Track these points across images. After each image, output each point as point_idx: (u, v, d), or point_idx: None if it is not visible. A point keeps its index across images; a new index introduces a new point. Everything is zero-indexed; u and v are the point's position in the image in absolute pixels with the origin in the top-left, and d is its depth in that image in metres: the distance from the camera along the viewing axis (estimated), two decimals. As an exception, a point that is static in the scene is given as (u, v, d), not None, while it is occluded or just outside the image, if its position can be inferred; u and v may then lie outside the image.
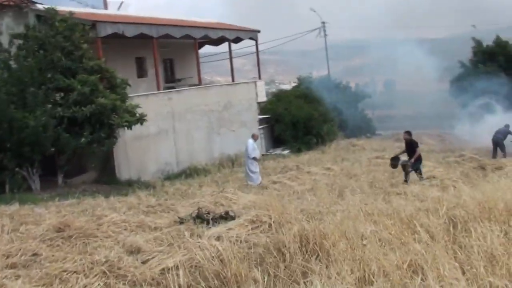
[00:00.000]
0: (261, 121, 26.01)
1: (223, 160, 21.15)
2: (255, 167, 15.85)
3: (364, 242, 5.65)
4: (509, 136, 19.99)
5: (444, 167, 17.33)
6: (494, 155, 19.63)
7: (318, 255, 5.85)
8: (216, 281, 5.82)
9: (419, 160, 15.06)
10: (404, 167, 14.99)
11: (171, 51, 23.73)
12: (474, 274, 5.06)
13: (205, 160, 21.10)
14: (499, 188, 8.81)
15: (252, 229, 8.57)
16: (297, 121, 26.42)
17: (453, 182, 13.89)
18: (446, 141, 26.03)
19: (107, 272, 6.53)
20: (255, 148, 16.14)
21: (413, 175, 15.01)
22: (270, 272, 5.48)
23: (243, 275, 5.55)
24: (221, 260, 5.97)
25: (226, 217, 10.07)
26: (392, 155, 16.17)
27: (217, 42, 25.76)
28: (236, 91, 24.31)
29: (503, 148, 19.60)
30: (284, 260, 5.82)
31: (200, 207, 10.75)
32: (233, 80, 25.29)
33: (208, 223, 9.70)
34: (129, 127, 15.51)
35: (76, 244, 8.22)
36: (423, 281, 4.83)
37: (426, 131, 27.85)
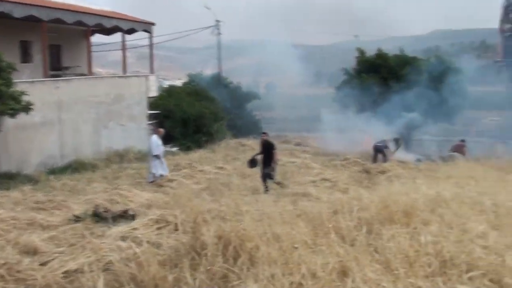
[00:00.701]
0: (150, 116, 25.38)
1: (111, 155, 20.34)
2: (154, 165, 15.34)
3: (296, 245, 5.63)
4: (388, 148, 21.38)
5: (332, 170, 18.05)
6: (375, 160, 20.77)
7: (238, 258, 5.75)
8: (132, 285, 5.54)
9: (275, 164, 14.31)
10: (268, 175, 14.09)
11: (59, 37, 22.31)
12: (395, 276, 5.25)
13: (92, 154, 20.15)
14: (393, 192, 9.29)
15: (157, 229, 8.32)
16: (188, 118, 26.14)
17: (345, 184, 14.52)
18: (329, 144, 27.13)
19: (5, 275, 5.98)
20: (158, 144, 15.71)
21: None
22: (189, 276, 5.30)
23: (169, 279, 5.32)
24: (137, 263, 5.67)
25: (126, 215, 9.71)
26: (250, 158, 15.51)
27: (109, 31, 24.75)
28: (128, 84, 23.49)
29: (384, 154, 20.81)
30: (204, 263, 5.64)
31: (97, 205, 10.28)
32: (124, 73, 24.43)
33: (107, 221, 9.28)
34: (14, 115, 14.37)
35: (-41, 242, 7.48)
36: (353, 282, 4.93)
37: (310, 134, 28.86)
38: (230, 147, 25.61)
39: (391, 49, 33.74)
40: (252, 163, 15.00)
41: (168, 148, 25.53)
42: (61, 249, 7.23)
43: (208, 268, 5.47)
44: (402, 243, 6.15)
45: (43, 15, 17.95)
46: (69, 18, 19.35)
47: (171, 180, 14.73)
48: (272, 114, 38.76)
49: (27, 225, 8.93)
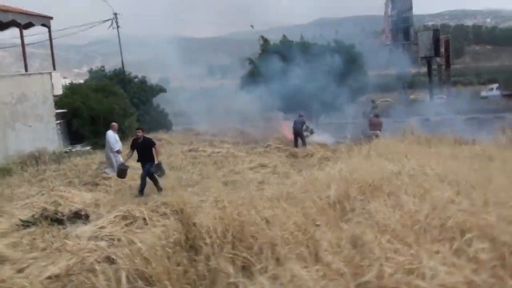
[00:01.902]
0: (57, 116, 24.00)
1: (24, 158, 18.96)
2: (118, 160, 15.09)
3: (318, 223, 5.59)
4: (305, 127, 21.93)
5: (260, 157, 18.16)
6: (296, 144, 21.21)
7: (239, 244, 5.61)
8: (140, 281, 5.24)
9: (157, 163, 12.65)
10: (151, 176, 12.52)
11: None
12: (408, 243, 5.37)
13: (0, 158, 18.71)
14: (346, 170, 9.54)
15: (126, 225, 7.94)
16: (97, 116, 25.01)
17: (284, 169, 14.67)
18: (244, 133, 27.30)
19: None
20: (117, 140, 15.17)
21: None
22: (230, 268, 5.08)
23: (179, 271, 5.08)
24: (144, 259, 5.35)
25: (79, 216, 9.17)
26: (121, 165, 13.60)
27: (3, 26, 22.97)
28: (31, 82, 21.99)
29: (303, 137, 21.32)
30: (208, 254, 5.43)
31: (45, 208, 9.61)
32: (26, 70, 22.85)
33: (61, 223, 8.71)
34: None
35: None
36: (376, 251, 4.98)
37: (222, 125, 28.79)
38: (146, 142, 24.87)
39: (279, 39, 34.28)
40: (124, 171, 13.14)
41: (79, 147, 24.40)
42: (33, 254, 6.66)
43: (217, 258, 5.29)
44: (389, 214, 6.32)
45: None
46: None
47: (106, 178, 14.04)
48: (175, 108, 38.10)
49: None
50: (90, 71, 33.18)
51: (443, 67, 58.26)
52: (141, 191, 12.20)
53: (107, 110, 25.41)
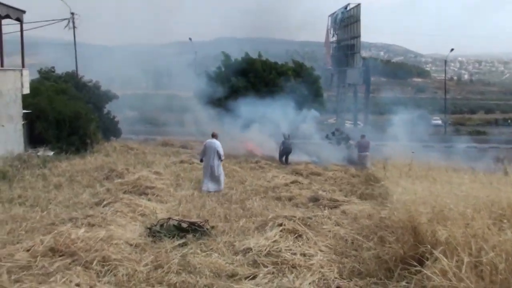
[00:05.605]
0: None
1: (8, 161, 17.28)
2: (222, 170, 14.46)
3: None
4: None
5: (263, 172, 17.99)
6: (285, 161, 21.51)
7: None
8: None
9: None
10: None
11: None
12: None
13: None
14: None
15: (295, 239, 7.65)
16: (63, 119, 23.44)
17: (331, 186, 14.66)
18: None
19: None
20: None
21: None
22: None
23: None
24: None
25: (204, 226, 8.74)
26: None
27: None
28: (6, 78, 20.20)
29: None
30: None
31: (170, 217, 8.95)
32: (2, 65, 20.89)
33: (188, 232, 8.25)
34: None
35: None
36: None
37: (182, 137, 28.19)
38: (119, 150, 23.70)
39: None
40: None
41: (42, 152, 22.70)
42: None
43: None
44: None
45: None
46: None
47: (149, 187, 13.01)
48: (123, 115, 36.65)
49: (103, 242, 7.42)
50: (40, 71, 30.91)
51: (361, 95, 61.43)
52: None
53: (74, 115, 23.90)
